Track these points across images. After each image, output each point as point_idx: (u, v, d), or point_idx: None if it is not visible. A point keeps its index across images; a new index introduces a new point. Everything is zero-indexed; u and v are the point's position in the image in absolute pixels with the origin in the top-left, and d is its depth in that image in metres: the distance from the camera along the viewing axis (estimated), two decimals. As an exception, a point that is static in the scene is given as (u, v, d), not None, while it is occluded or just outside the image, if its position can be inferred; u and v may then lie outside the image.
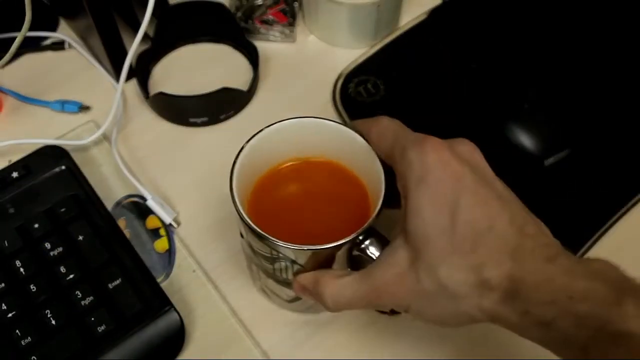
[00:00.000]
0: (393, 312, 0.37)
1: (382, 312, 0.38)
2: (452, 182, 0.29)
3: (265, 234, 0.32)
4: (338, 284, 0.32)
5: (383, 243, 0.33)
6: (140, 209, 0.45)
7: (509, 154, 0.46)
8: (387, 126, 0.34)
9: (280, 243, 0.32)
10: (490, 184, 0.30)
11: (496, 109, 0.48)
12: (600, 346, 0.25)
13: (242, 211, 0.33)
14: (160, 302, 0.39)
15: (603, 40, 0.51)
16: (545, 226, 0.29)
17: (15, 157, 0.46)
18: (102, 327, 0.38)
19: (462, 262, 0.28)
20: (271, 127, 0.36)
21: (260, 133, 0.36)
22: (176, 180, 0.47)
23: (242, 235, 0.36)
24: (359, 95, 0.50)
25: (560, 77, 0.49)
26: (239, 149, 0.35)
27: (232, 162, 0.35)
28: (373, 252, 0.33)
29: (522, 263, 0.27)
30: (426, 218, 0.29)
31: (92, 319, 0.38)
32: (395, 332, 0.40)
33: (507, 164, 0.45)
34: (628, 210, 0.44)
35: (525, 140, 0.46)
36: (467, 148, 0.31)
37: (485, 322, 0.29)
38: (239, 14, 0.55)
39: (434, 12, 0.55)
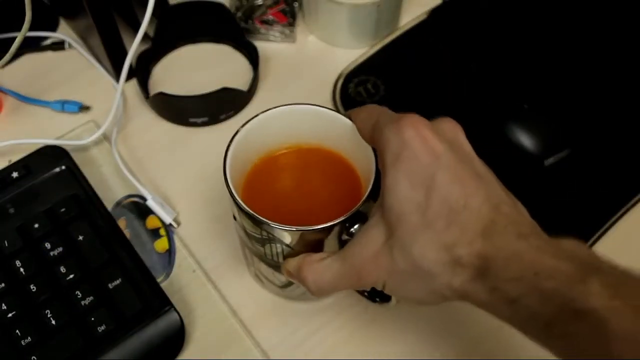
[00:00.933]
0: (381, 300, 0.38)
1: (372, 300, 0.39)
2: (429, 158, 0.28)
3: (253, 213, 0.33)
4: (319, 267, 0.32)
5: None
6: (140, 209, 0.45)
7: (509, 154, 0.46)
8: (370, 110, 0.34)
9: (270, 223, 0.32)
10: (469, 162, 0.30)
11: (496, 109, 0.48)
12: (562, 323, 0.25)
13: (232, 189, 0.33)
14: (160, 302, 0.39)
15: (603, 40, 0.51)
16: (523, 206, 0.29)
17: (15, 157, 0.46)
18: (102, 327, 0.38)
19: (435, 240, 0.28)
20: (265, 113, 0.37)
21: (254, 119, 0.36)
22: (176, 180, 0.47)
23: (235, 218, 0.36)
24: (359, 95, 0.50)
25: (560, 77, 0.49)
26: (233, 133, 0.36)
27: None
28: None
29: (493, 240, 0.27)
30: (401, 194, 0.29)
31: (92, 318, 0.38)
32: (396, 331, 0.40)
33: (507, 164, 0.45)
34: (628, 210, 0.44)
35: (525, 140, 0.46)
36: (448, 126, 0.31)
37: (457, 301, 0.29)
38: (239, 14, 0.55)
39: (434, 12, 0.55)
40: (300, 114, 0.37)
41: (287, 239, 0.33)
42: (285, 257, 0.35)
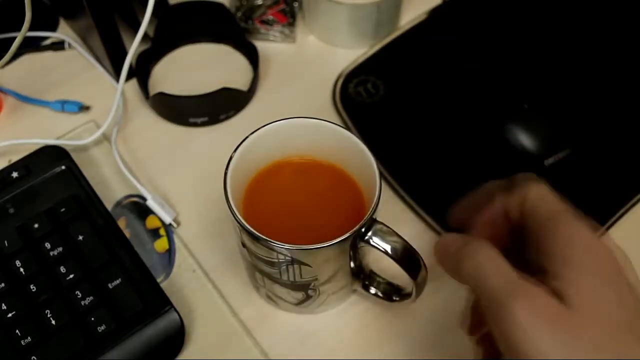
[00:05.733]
0: (400, 298, 0.38)
1: (389, 300, 0.39)
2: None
3: (267, 238, 0.32)
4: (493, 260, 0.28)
5: (385, 231, 0.33)
6: (140, 209, 0.45)
7: (509, 154, 0.46)
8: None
9: (285, 245, 0.32)
10: None
11: (496, 109, 0.48)
12: None
13: (240, 218, 0.33)
14: (160, 302, 0.39)
15: (603, 40, 0.51)
16: None
17: (16, 157, 0.46)
18: (102, 327, 0.38)
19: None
20: (267, 127, 0.36)
21: (255, 133, 0.36)
22: (176, 180, 0.47)
23: (243, 245, 0.35)
24: (359, 96, 0.50)
25: (560, 77, 0.49)
26: (234, 149, 0.35)
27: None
28: (377, 241, 0.33)
29: None
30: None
31: (93, 319, 0.38)
32: (396, 332, 0.40)
33: (507, 164, 0.45)
34: (628, 210, 0.44)
35: (525, 140, 0.46)
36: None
37: None
38: (239, 14, 0.55)
39: (434, 12, 0.55)
40: (301, 128, 0.37)
41: (301, 257, 0.33)
42: (302, 275, 0.35)
